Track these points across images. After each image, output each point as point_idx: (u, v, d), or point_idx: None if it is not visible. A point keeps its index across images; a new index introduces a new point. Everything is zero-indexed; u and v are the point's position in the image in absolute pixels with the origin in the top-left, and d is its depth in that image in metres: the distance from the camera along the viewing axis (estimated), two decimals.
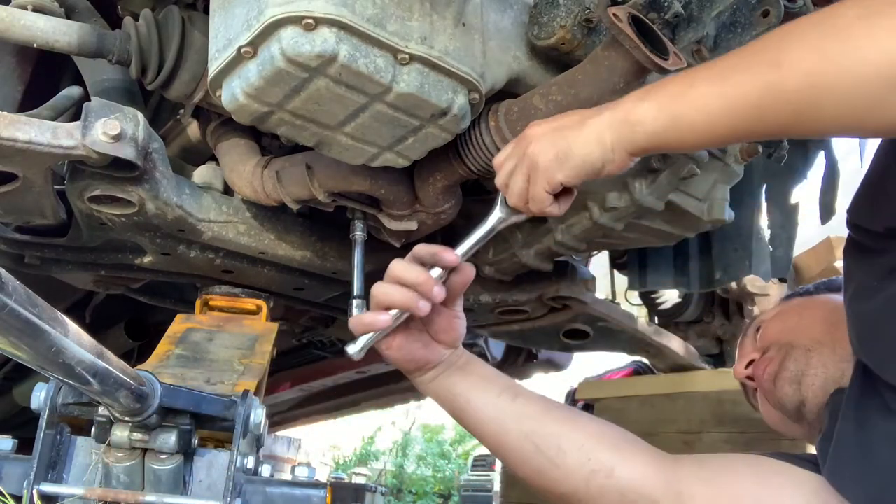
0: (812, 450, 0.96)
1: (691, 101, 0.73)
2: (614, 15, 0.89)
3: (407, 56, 0.93)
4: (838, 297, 1.11)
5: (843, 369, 0.97)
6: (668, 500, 0.87)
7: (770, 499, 0.86)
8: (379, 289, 0.91)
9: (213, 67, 0.97)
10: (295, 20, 0.86)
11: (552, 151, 0.82)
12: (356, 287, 1.32)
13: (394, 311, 0.92)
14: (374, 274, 1.56)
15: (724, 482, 0.89)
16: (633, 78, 0.94)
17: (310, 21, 0.86)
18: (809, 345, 1.06)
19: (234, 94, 0.96)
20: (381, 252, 1.55)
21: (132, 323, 2.21)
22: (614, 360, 2.89)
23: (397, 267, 0.90)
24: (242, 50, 0.91)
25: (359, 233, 1.35)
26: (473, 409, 0.97)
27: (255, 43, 0.90)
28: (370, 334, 0.96)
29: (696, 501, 0.86)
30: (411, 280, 0.87)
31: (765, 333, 1.16)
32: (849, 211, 0.84)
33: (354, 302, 1.31)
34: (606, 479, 0.88)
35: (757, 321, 1.22)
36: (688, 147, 0.80)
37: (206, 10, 1.05)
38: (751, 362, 1.16)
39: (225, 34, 0.95)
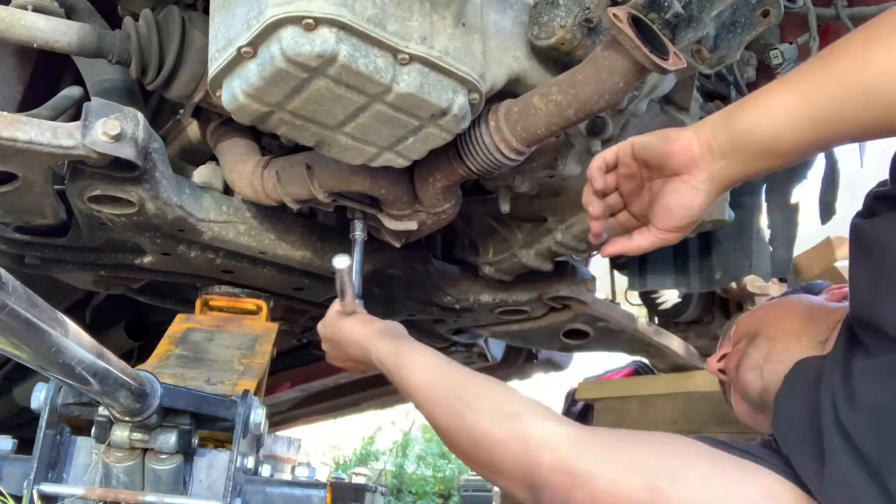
0: None
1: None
2: (614, 15, 0.89)
3: (407, 56, 0.93)
4: (813, 298, 1.15)
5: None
6: (570, 457, 0.82)
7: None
8: None
9: (213, 67, 0.97)
10: (295, 20, 0.86)
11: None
12: (356, 287, 1.32)
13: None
14: (371, 274, 1.57)
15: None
16: (632, 78, 0.94)
17: (310, 21, 0.85)
18: (774, 334, 1.08)
19: (234, 94, 0.96)
20: (381, 252, 1.55)
21: (132, 323, 2.21)
22: (614, 360, 2.89)
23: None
24: (242, 50, 0.91)
25: (358, 232, 1.35)
26: (415, 366, 1.04)
27: (255, 43, 0.90)
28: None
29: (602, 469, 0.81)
30: None
31: (737, 328, 1.19)
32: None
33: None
34: (514, 422, 0.87)
35: (734, 319, 1.25)
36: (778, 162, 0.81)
37: (206, 10, 1.05)
38: (723, 356, 1.19)
39: (225, 34, 0.95)
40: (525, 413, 0.88)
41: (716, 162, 0.83)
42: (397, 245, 1.44)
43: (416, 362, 1.03)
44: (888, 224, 0.80)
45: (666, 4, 1.03)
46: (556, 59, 1.12)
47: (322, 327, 1.24)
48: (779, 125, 0.77)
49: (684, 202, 0.87)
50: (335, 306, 1.22)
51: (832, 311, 1.05)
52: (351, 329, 1.17)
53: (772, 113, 0.78)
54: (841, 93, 0.72)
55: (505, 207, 1.34)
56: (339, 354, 1.24)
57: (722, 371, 1.19)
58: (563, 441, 0.84)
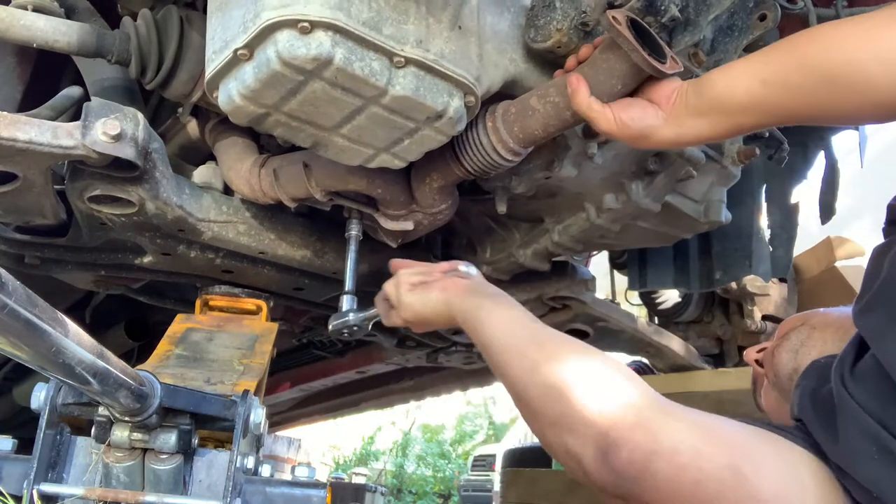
0: None
1: None
2: (613, 18, 0.90)
3: (402, 59, 0.94)
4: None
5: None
6: (655, 419, 0.77)
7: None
8: None
9: (210, 69, 0.97)
10: (291, 23, 0.86)
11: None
12: (348, 283, 1.33)
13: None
14: (370, 274, 1.57)
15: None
16: (630, 81, 0.95)
17: (306, 24, 0.86)
18: (816, 324, 1.10)
19: (230, 95, 0.96)
20: (378, 252, 1.56)
21: (132, 323, 2.21)
22: None
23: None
24: (239, 52, 0.91)
25: (354, 231, 1.36)
26: (495, 319, 1.02)
27: (252, 45, 0.90)
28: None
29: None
30: None
31: (783, 326, 1.20)
32: None
33: (345, 297, 1.32)
34: (596, 375, 0.83)
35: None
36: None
37: (205, 10, 1.05)
38: (763, 349, 1.20)
39: (222, 36, 0.96)
40: (609, 368, 0.84)
41: (684, 112, 0.92)
42: (394, 245, 1.44)
43: (496, 315, 1.00)
44: None
45: (663, 8, 1.03)
46: (553, 62, 1.12)
47: (396, 303, 1.16)
48: (733, 81, 0.86)
49: (644, 113, 0.95)
50: (409, 278, 1.16)
51: None
52: (433, 302, 1.11)
53: (731, 71, 0.88)
54: (796, 63, 0.79)
55: (502, 208, 1.35)
56: (417, 321, 1.16)
57: (758, 363, 1.20)
58: (649, 403, 0.79)
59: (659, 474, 0.73)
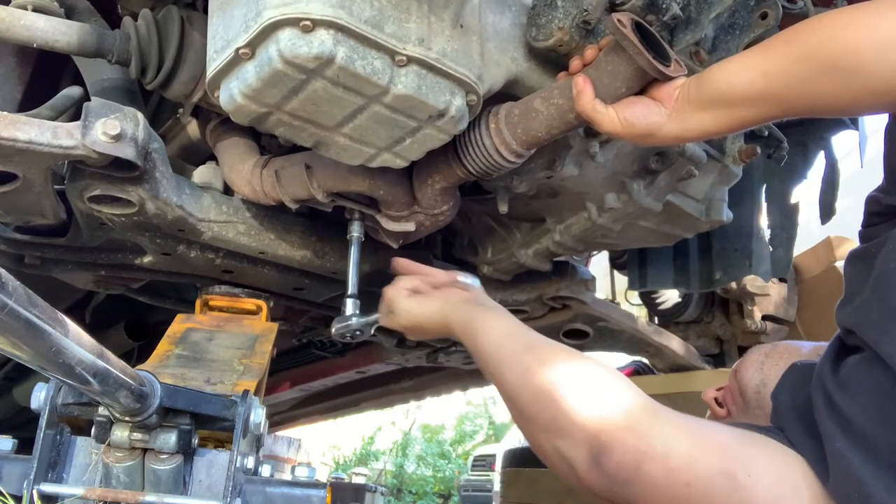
0: None
1: None
2: (618, 20, 0.90)
3: (404, 58, 0.93)
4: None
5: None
6: (646, 423, 0.77)
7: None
8: None
9: (212, 68, 0.97)
10: (293, 22, 0.86)
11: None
12: (350, 286, 1.33)
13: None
14: (371, 274, 1.57)
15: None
16: (634, 84, 0.95)
17: (307, 23, 0.86)
18: (775, 342, 1.16)
19: (232, 95, 0.96)
20: (380, 252, 1.56)
21: (132, 323, 2.21)
22: (614, 360, 2.89)
23: None
24: (240, 51, 0.91)
25: (356, 232, 1.36)
26: (489, 329, 1.03)
27: (253, 44, 0.90)
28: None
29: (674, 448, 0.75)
30: None
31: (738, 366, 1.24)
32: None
33: (348, 301, 1.32)
34: (588, 380, 0.83)
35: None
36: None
37: (206, 10, 1.05)
38: (721, 388, 1.24)
39: (223, 35, 0.96)
40: (600, 373, 0.84)
41: (687, 108, 0.92)
42: (395, 246, 1.44)
43: (491, 324, 1.02)
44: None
45: (664, 6, 1.03)
46: (555, 61, 1.12)
47: (394, 308, 1.18)
48: (734, 74, 0.86)
49: (647, 110, 0.95)
50: (409, 284, 1.18)
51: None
52: (430, 311, 1.13)
53: (732, 65, 0.88)
54: (795, 53, 0.79)
55: (503, 208, 1.35)
56: (412, 328, 1.18)
57: (717, 402, 1.24)
58: (640, 407, 0.79)
59: (650, 478, 0.74)
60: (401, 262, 1.24)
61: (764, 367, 1.13)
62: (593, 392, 0.82)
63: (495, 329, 1.01)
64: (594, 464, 0.77)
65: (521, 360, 0.91)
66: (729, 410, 1.21)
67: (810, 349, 1.14)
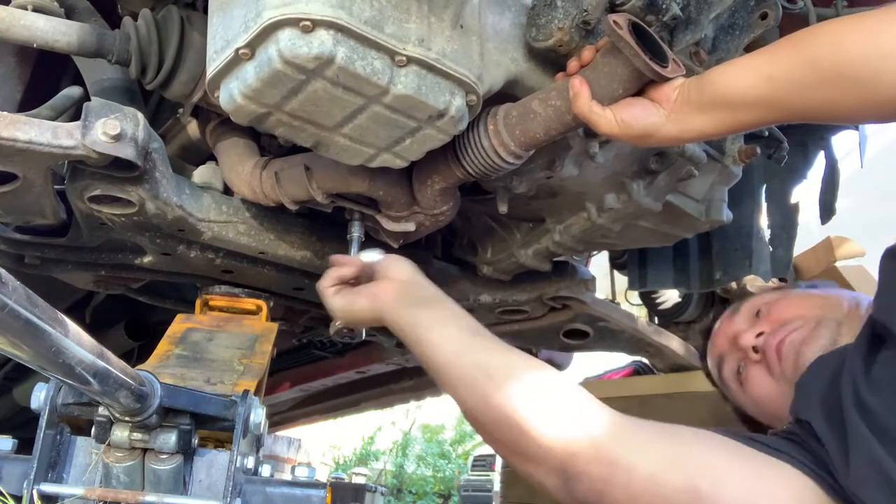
0: None
1: None
2: (615, 22, 0.90)
3: (404, 58, 0.93)
4: (849, 292, 1.18)
5: None
6: (610, 449, 0.80)
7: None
8: None
9: (211, 68, 0.97)
10: (292, 22, 0.86)
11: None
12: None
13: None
14: None
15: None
16: (632, 85, 0.95)
17: (307, 23, 0.86)
18: (841, 319, 1.11)
19: (231, 95, 0.96)
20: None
21: (132, 323, 2.21)
22: (614, 360, 2.89)
23: None
24: (240, 51, 0.91)
25: (356, 232, 1.36)
26: (435, 339, 0.98)
27: (253, 44, 0.90)
28: None
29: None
30: None
31: (776, 312, 1.19)
32: None
33: None
34: (548, 406, 0.83)
35: (752, 303, 1.26)
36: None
37: (206, 10, 1.05)
38: (761, 334, 1.17)
39: (223, 35, 0.96)
40: (561, 396, 0.84)
41: (686, 109, 0.92)
42: (395, 246, 1.44)
43: (435, 334, 0.97)
44: None
45: (664, 7, 1.03)
46: (555, 61, 1.12)
47: (328, 304, 1.15)
48: (736, 77, 0.86)
49: (646, 111, 0.94)
50: (324, 283, 1.15)
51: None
52: (360, 310, 1.10)
53: (734, 67, 0.88)
54: (801, 59, 0.79)
55: (503, 208, 1.35)
56: (354, 324, 1.17)
57: (755, 349, 1.17)
58: (603, 430, 0.80)
59: (617, 502, 0.78)
60: (336, 259, 1.20)
61: (838, 340, 1.05)
62: (557, 417, 0.83)
63: (441, 340, 0.96)
64: (566, 490, 0.81)
65: (477, 385, 0.89)
66: (770, 362, 1.13)
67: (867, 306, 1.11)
